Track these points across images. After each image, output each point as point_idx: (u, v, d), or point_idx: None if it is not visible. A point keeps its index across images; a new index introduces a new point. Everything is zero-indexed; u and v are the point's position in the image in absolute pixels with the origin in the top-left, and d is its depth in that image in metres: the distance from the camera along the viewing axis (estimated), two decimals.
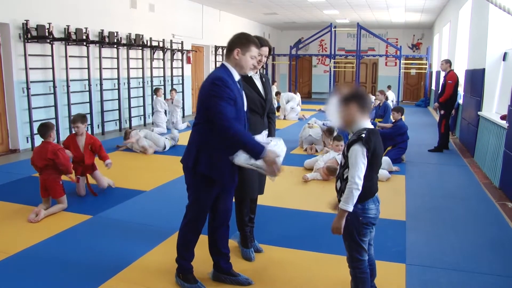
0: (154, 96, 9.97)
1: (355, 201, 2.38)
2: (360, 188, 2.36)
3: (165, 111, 10.05)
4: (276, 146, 2.71)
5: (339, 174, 2.53)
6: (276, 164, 2.58)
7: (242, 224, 3.47)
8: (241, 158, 2.63)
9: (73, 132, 5.08)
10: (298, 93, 14.07)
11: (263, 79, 3.43)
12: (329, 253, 3.51)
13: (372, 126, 2.48)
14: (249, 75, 3.29)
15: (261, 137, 2.79)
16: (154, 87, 10.56)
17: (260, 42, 3.23)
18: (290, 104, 12.96)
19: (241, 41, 2.77)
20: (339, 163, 2.57)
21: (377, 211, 2.53)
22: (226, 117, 2.58)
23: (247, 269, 3.20)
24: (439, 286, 3.04)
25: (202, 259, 3.17)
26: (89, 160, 5.01)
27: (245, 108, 2.88)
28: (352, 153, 2.38)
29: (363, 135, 2.37)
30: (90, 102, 9.09)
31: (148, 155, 7.36)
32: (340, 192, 2.50)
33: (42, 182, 4.46)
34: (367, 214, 2.46)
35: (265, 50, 3.30)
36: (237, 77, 2.79)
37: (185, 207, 2.91)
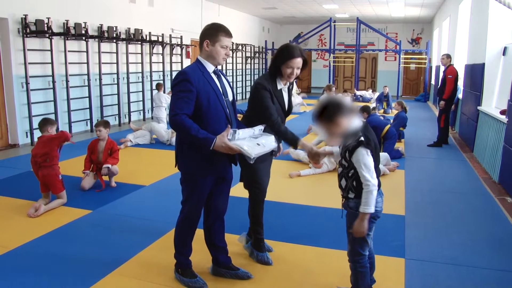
0: (155, 91, 9.96)
1: (374, 201, 2.40)
2: (377, 186, 2.40)
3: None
4: (257, 143, 2.67)
5: (343, 173, 2.53)
6: (232, 150, 2.56)
7: (257, 227, 3.29)
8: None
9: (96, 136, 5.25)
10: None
11: (289, 87, 3.23)
12: (328, 248, 3.52)
13: (360, 122, 2.46)
14: (278, 88, 3.09)
15: (251, 131, 2.74)
16: (156, 82, 10.53)
17: (292, 52, 2.98)
18: None
19: (209, 32, 2.73)
20: (339, 161, 2.57)
21: (382, 204, 2.54)
22: (174, 110, 2.58)
23: (246, 264, 3.21)
24: (438, 281, 3.05)
25: (201, 254, 3.18)
26: (106, 161, 5.14)
27: (230, 99, 2.83)
28: (359, 157, 2.38)
29: (362, 138, 2.37)
30: (90, 97, 9.08)
31: (146, 150, 7.40)
32: (347, 188, 2.50)
33: (42, 178, 4.46)
34: (375, 207, 2.47)
35: (299, 61, 2.98)
36: (211, 68, 2.76)
37: None
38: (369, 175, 2.37)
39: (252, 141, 2.66)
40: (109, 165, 5.07)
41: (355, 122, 2.43)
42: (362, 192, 2.40)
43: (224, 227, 3.07)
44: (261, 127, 2.83)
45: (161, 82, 10.52)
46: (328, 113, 2.40)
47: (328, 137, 2.49)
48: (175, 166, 2.83)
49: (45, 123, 4.62)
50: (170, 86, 2.80)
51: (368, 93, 16.25)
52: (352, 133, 2.41)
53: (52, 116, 8.08)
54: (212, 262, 3.08)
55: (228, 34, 2.74)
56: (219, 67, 2.90)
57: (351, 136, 2.41)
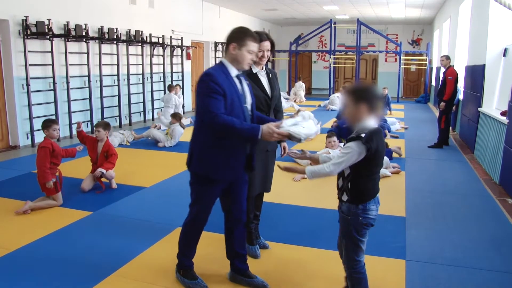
0: (167, 92, 10.12)
1: (318, 177, 2.38)
2: (333, 173, 2.35)
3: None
4: (301, 126, 2.63)
5: (340, 172, 2.51)
6: (280, 134, 2.52)
7: (247, 221, 3.34)
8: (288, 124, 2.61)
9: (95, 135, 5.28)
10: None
11: (270, 75, 3.32)
12: (329, 249, 3.51)
13: (376, 126, 2.43)
14: (254, 72, 3.21)
15: (293, 120, 2.68)
16: (174, 83, 10.60)
17: (259, 37, 3.11)
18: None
19: (237, 36, 2.70)
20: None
21: (376, 213, 2.49)
22: (212, 111, 2.53)
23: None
24: (439, 282, 3.05)
25: (203, 256, 3.18)
26: (101, 165, 5.13)
27: (249, 106, 2.79)
28: (348, 147, 2.34)
29: (363, 135, 2.32)
30: (90, 98, 9.08)
31: (147, 151, 7.41)
32: (342, 189, 2.47)
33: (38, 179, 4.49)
34: (367, 215, 2.43)
35: (267, 44, 3.20)
36: (234, 72, 2.73)
37: (186, 203, 2.90)
38: (337, 163, 2.33)
39: (295, 125, 2.63)
40: (104, 171, 5.06)
41: (370, 122, 2.41)
42: (322, 165, 2.38)
43: (246, 234, 3.04)
44: (303, 114, 2.81)
45: (178, 83, 10.52)
46: (358, 94, 2.42)
47: (345, 116, 2.52)
48: (188, 167, 2.77)
49: (43, 126, 4.64)
50: (195, 87, 2.74)
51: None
52: (361, 129, 2.37)
53: (53, 118, 8.10)
54: (230, 268, 3.03)
55: (255, 39, 2.71)
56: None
57: (359, 132, 2.37)
